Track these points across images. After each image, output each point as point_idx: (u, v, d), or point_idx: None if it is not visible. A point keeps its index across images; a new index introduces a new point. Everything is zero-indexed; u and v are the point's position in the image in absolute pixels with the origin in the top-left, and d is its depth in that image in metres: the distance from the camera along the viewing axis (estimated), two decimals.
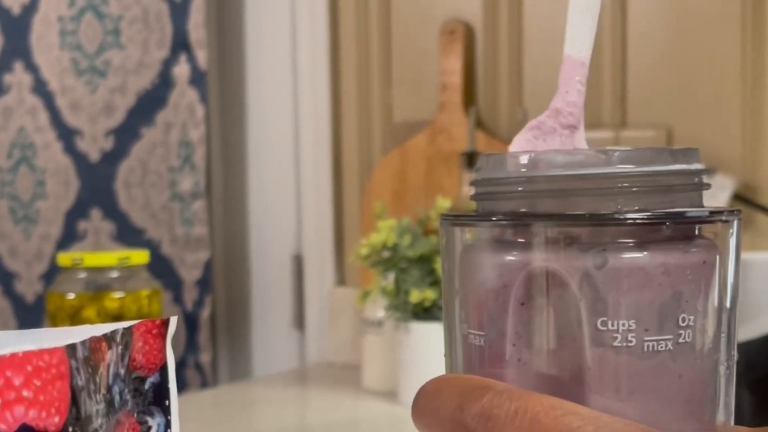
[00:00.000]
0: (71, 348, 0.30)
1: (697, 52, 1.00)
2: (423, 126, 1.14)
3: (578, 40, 0.41)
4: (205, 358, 1.22)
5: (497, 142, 1.09)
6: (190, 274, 1.21)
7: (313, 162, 1.22)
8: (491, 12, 1.11)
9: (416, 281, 0.95)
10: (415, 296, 0.93)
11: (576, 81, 0.41)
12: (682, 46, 1.01)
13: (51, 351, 0.29)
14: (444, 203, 0.96)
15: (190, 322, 1.22)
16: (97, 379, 0.31)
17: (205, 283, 1.21)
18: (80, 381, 0.30)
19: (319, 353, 1.25)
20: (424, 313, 0.95)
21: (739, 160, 0.98)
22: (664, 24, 1.02)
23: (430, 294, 0.94)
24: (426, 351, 0.92)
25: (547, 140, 0.40)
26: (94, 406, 0.31)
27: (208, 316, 1.21)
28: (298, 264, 1.25)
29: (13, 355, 0.28)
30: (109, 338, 0.33)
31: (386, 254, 0.97)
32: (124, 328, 0.34)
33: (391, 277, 0.97)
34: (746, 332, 0.72)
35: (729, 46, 0.98)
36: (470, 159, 1.06)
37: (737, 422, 0.68)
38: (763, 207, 0.96)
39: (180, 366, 1.22)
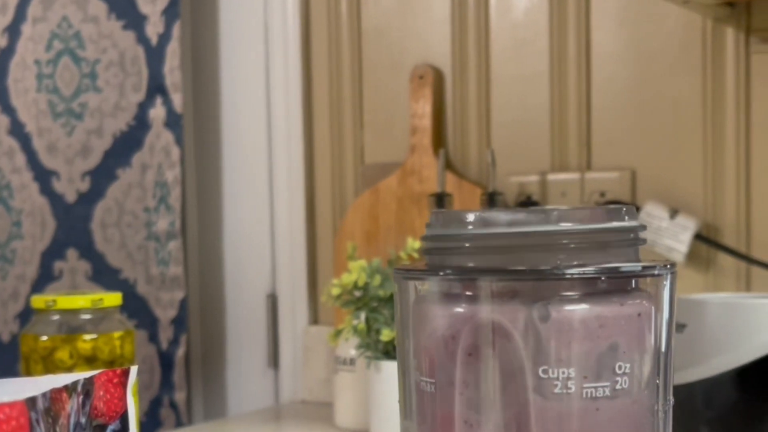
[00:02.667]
0: (31, 401, 0.31)
1: (660, 97, 1.03)
2: (394, 168, 1.16)
3: None
4: (180, 396, 1.22)
5: (467, 183, 1.11)
6: (165, 313, 1.22)
7: (287, 202, 1.24)
8: (460, 57, 1.13)
9: (387, 320, 0.97)
10: (385, 335, 0.95)
11: None
12: (644, 91, 1.04)
13: (11, 404, 0.30)
14: (414, 244, 0.98)
15: (166, 361, 1.22)
16: (58, 429, 0.33)
17: (180, 322, 1.22)
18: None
19: (293, 391, 1.25)
20: (395, 351, 0.96)
21: (701, 201, 1.01)
22: (627, 70, 1.05)
23: None
24: (396, 389, 0.93)
25: None
26: None
27: (183, 355, 1.22)
28: (273, 303, 1.26)
29: None
30: (70, 389, 0.35)
31: (357, 294, 0.99)
32: (86, 378, 0.36)
33: (363, 316, 0.98)
34: (704, 371, 0.73)
35: (690, 91, 1.01)
36: (440, 200, 1.08)
37: None
38: (724, 247, 0.99)
39: (155, 405, 1.23)
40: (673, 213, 1.00)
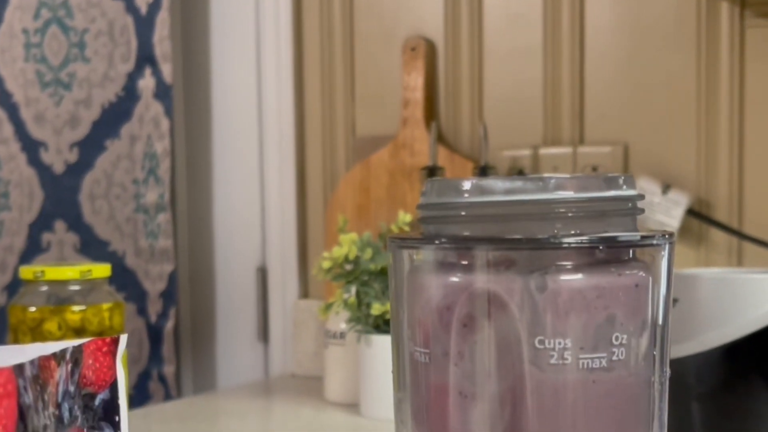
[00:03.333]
0: (19, 368, 0.31)
1: (653, 71, 1.02)
2: (386, 141, 1.15)
3: None
4: (168, 370, 1.22)
5: (458, 156, 1.10)
6: (154, 286, 1.22)
7: (277, 175, 1.23)
8: (453, 29, 1.12)
9: (377, 294, 0.96)
10: (376, 309, 0.95)
11: None
12: (638, 66, 1.03)
13: None
14: (405, 217, 0.98)
15: (154, 334, 1.22)
16: (46, 397, 0.32)
17: (169, 295, 1.21)
18: (28, 399, 0.31)
19: (283, 365, 1.25)
20: (385, 325, 0.96)
21: (694, 177, 1.00)
22: (620, 44, 1.04)
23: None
24: (386, 363, 0.92)
25: None
26: (42, 422, 0.32)
27: (172, 328, 1.22)
28: (263, 276, 1.26)
29: None
30: (58, 357, 0.34)
31: (348, 267, 0.98)
32: (74, 347, 0.35)
33: (353, 290, 0.98)
34: (695, 347, 0.73)
35: (684, 65, 1.01)
36: (431, 173, 1.07)
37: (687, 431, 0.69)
38: (716, 223, 0.98)
39: (143, 378, 1.23)
40: (666, 188, 0.99)
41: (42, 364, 0.33)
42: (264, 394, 1.16)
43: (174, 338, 1.22)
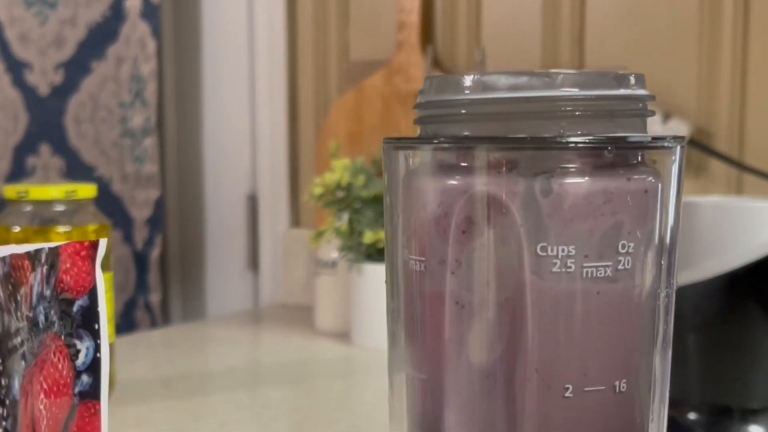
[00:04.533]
0: None
1: None
2: (380, 65, 1.12)
3: None
4: (154, 298, 1.21)
5: None
6: (140, 212, 1.19)
7: (268, 100, 1.20)
8: None
9: (370, 222, 0.94)
10: (368, 237, 0.93)
11: None
12: None
13: None
14: None
15: (140, 262, 1.20)
16: (19, 298, 0.30)
17: (155, 222, 1.19)
18: None
19: (273, 294, 1.24)
20: (378, 254, 0.94)
21: (695, 106, 0.98)
22: None
23: (383, 235, 0.93)
24: (379, 292, 0.91)
25: None
26: (14, 324, 0.30)
27: (159, 256, 1.20)
28: (253, 204, 1.24)
29: None
30: (32, 257, 0.32)
31: (340, 194, 0.96)
32: (50, 248, 0.33)
33: (345, 217, 0.96)
34: (693, 276, 0.72)
35: None
36: None
37: (682, 364, 0.69)
38: (717, 153, 0.97)
39: (129, 306, 1.21)
40: (666, 117, 0.97)
41: (14, 263, 0.31)
42: (254, 323, 1.15)
43: (160, 266, 1.20)
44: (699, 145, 0.97)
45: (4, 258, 0.30)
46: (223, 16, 1.22)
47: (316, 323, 1.04)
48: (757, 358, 0.68)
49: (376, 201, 0.96)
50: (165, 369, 0.88)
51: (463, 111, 0.34)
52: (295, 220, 1.23)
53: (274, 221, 1.22)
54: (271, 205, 1.22)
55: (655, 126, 0.97)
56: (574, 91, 0.33)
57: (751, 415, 0.67)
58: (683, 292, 0.73)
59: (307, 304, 1.16)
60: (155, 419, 0.71)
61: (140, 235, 1.20)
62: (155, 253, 1.19)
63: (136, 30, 1.16)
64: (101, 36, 1.17)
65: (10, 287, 0.30)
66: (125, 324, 1.19)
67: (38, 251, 0.33)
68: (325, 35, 1.17)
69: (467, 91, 0.34)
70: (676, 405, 0.69)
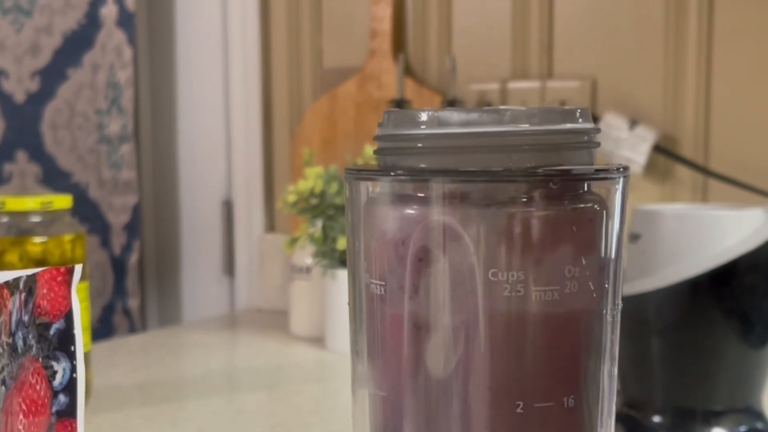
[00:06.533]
0: None
1: (622, 4, 1.01)
2: (353, 72, 1.14)
3: None
4: (133, 303, 1.22)
5: (426, 89, 1.09)
6: (117, 218, 1.21)
7: (243, 106, 1.21)
8: None
9: (343, 229, 0.96)
10: (342, 243, 0.94)
11: None
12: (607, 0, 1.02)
13: None
14: (371, 151, 0.97)
15: (118, 267, 1.21)
16: None
17: (133, 228, 1.20)
18: None
19: (248, 299, 1.25)
20: None
21: (661, 112, 1.00)
22: None
23: None
24: None
25: None
26: None
27: (137, 261, 1.21)
28: (228, 209, 1.25)
29: None
30: (11, 285, 0.33)
31: (314, 201, 0.98)
32: (28, 276, 0.35)
33: (319, 224, 0.97)
34: (656, 282, 0.74)
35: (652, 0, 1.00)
36: (399, 106, 1.06)
37: (646, 367, 0.71)
38: (683, 158, 0.99)
39: (108, 311, 1.22)
40: (633, 124, 0.99)
41: None
42: (229, 327, 1.17)
43: (138, 271, 1.22)
44: (665, 151, 0.99)
45: None
46: (197, 24, 1.23)
47: (291, 328, 1.05)
48: (719, 361, 0.70)
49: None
50: (141, 375, 0.89)
51: (419, 144, 0.35)
52: (270, 225, 1.24)
53: (249, 226, 1.23)
54: (246, 211, 1.23)
55: (621, 132, 0.99)
56: (523, 127, 0.35)
57: (713, 417, 0.69)
58: (647, 298, 0.75)
59: (282, 309, 1.18)
60: (132, 426, 0.72)
61: (118, 240, 1.21)
62: (133, 258, 1.20)
63: (112, 38, 1.17)
64: (77, 43, 1.18)
65: None
66: (104, 329, 1.20)
67: (16, 279, 0.34)
68: (298, 42, 1.19)
69: (423, 126, 0.36)
70: (640, 408, 0.72)
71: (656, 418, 0.71)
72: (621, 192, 0.36)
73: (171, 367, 0.94)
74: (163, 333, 1.13)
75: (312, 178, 0.97)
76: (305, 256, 1.03)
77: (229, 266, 1.26)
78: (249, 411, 0.78)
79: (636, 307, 0.72)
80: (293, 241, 1.01)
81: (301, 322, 1.04)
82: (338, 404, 0.79)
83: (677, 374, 0.71)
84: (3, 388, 0.32)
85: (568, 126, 0.35)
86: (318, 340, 1.01)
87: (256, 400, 0.81)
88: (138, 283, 1.22)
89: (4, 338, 0.33)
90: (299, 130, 1.17)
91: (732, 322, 0.69)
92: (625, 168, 0.36)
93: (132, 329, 1.22)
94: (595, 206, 0.36)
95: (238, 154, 1.22)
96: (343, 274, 0.95)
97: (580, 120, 0.35)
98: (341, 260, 0.96)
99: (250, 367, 0.94)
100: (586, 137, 0.36)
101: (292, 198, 0.98)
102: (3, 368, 0.32)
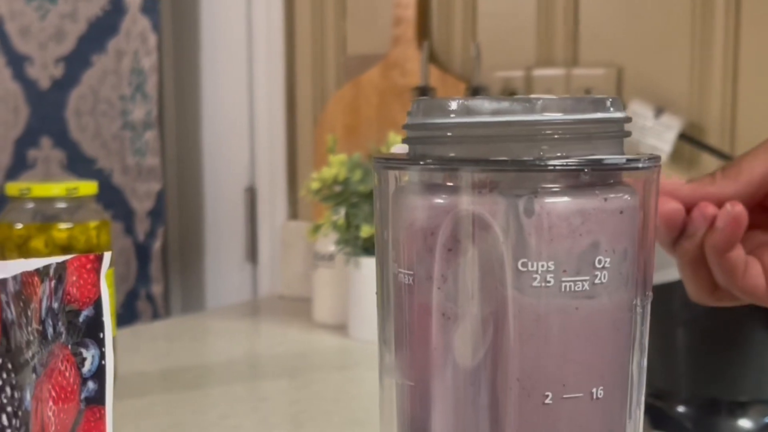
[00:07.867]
0: (2, 283, 0.30)
1: None
2: (376, 60, 1.13)
3: None
4: (156, 289, 1.22)
5: (450, 77, 1.09)
6: (141, 204, 1.21)
7: (266, 93, 1.21)
8: None
9: (366, 216, 0.96)
10: (365, 231, 0.94)
11: None
12: None
13: None
14: (395, 138, 0.97)
15: (142, 254, 1.22)
16: (29, 313, 0.32)
17: (157, 214, 1.21)
18: (11, 314, 0.31)
19: (271, 286, 1.26)
20: (374, 248, 0.96)
21: (687, 100, 1.00)
22: None
23: None
24: (374, 285, 0.93)
25: None
26: (25, 338, 0.32)
27: (160, 248, 1.21)
28: (251, 196, 1.25)
29: None
30: (41, 273, 0.34)
31: (337, 189, 0.98)
32: (58, 263, 0.35)
33: (342, 211, 0.97)
34: None
35: None
36: (423, 94, 1.06)
37: (671, 358, 0.70)
38: (708, 147, 0.98)
39: (131, 297, 1.23)
40: (658, 112, 0.99)
41: (25, 280, 0.33)
42: (252, 314, 1.17)
43: (162, 257, 1.22)
44: (691, 139, 0.98)
45: (15, 276, 0.32)
46: (222, 11, 1.23)
47: (314, 315, 1.05)
48: (744, 352, 0.70)
49: (373, 196, 0.97)
50: (165, 361, 0.89)
51: (449, 134, 0.35)
52: (293, 213, 1.24)
53: (272, 213, 1.23)
54: (270, 198, 1.23)
55: (647, 121, 0.98)
56: (554, 116, 0.34)
57: (739, 408, 0.69)
58: (672, 288, 0.75)
59: (305, 296, 1.18)
60: (154, 412, 0.73)
61: (142, 226, 1.21)
62: (157, 244, 1.21)
63: (136, 24, 1.17)
64: (101, 30, 1.19)
65: (21, 303, 0.32)
66: (127, 315, 1.21)
67: (47, 266, 0.34)
68: (322, 30, 1.19)
69: (452, 115, 0.35)
70: (666, 398, 0.71)
71: (681, 409, 0.70)
72: (652, 182, 0.36)
73: (194, 354, 0.94)
74: (187, 319, 1.14)
75: (335, 166, 0.97)
76: (328, 243, 1.03)
77: (252, 253, 1.27)
78: (271, 398, 0.78)
79: (662, 298, 0.72)
80: (316, 229, 1.01)
81: (324, 309, 1.04)
82: (361, 392, 0.80)
83: (703, 365, 0.71)
84: (34, 375, 0.32)
85: (600, 115, 0.35)
86: (341, 328, 1.01)
87: (278, 387, 0.81)
88: (161, 269, 1.22)
89: (35, 325, 0.33)
90: (323, 117, 1.17)
91: (758, 313, 0.68)
92: (657, 158, 0.35)
93: (155, 315, 1.23)
94: (626, 196, 0.35)
95: (261, 141, 1.23)
96: (366, 262, 0.95)
97: (612, 109, 0.35)
98: (364, 248, 0.96)
99: (272, 354, 0.94)
100: (617, 127, 0.35)
101: (315, 185, 0.98)
102: (33, 355, 0.32)
